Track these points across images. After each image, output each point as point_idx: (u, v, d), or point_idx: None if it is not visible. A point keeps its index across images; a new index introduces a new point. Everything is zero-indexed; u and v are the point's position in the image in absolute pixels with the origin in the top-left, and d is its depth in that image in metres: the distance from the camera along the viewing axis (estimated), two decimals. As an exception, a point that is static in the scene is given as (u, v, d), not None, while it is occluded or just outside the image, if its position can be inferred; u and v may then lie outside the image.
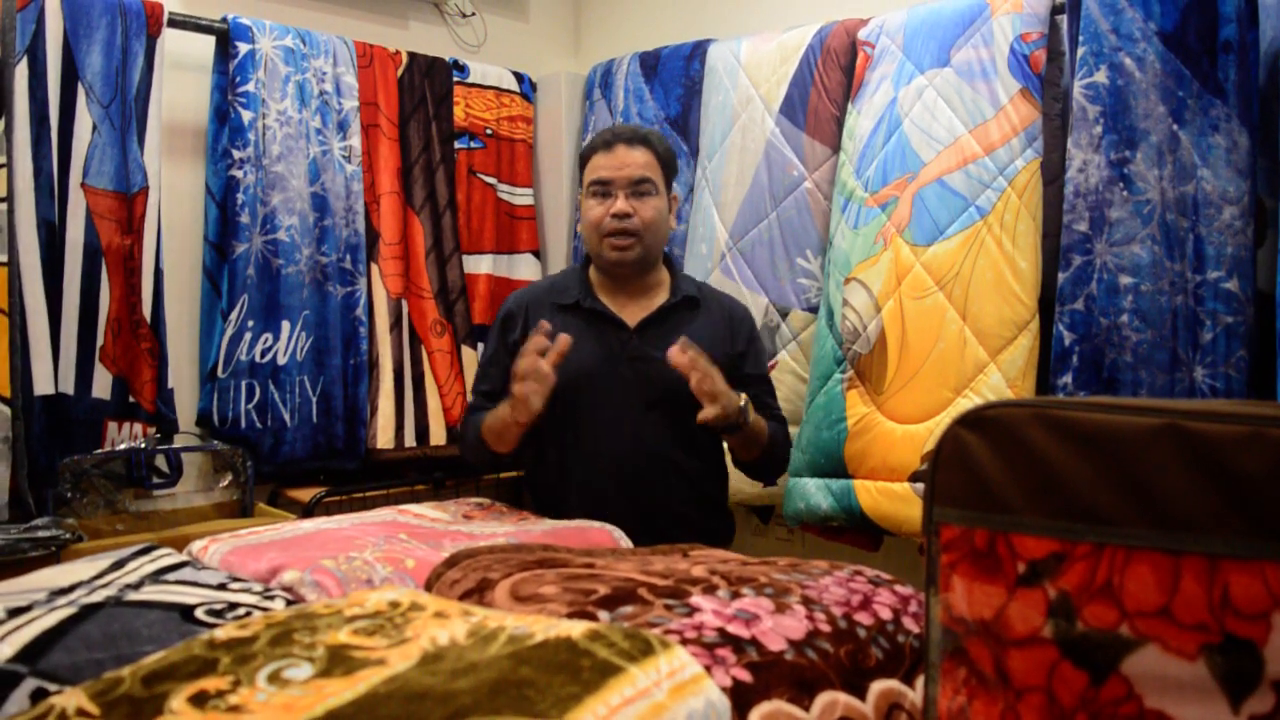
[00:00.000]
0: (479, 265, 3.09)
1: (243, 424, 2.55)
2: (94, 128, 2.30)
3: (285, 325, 2.60)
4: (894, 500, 2.27)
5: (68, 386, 2.27)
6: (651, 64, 2.99)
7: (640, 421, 1.92)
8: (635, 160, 1.93)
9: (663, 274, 2.05)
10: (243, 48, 2.55)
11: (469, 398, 2.13)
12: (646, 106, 2.97)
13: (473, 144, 3.08)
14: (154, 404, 2.42)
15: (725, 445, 2.05)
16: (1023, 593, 0.80)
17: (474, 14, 3.27)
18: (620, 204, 1.91)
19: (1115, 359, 2.06)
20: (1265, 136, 1.97)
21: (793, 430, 2.54)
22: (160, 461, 2.49)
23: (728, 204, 2.71)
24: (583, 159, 2.02)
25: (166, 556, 1.37)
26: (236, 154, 2.53)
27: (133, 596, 1.17)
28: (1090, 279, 2.08)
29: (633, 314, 1.98)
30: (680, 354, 1.77)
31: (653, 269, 2.02)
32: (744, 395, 1.86)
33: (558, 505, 1.92)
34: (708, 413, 1.76)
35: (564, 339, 1.77)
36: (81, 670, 0.98)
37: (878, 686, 1.03)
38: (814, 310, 2.57)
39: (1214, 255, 1.98)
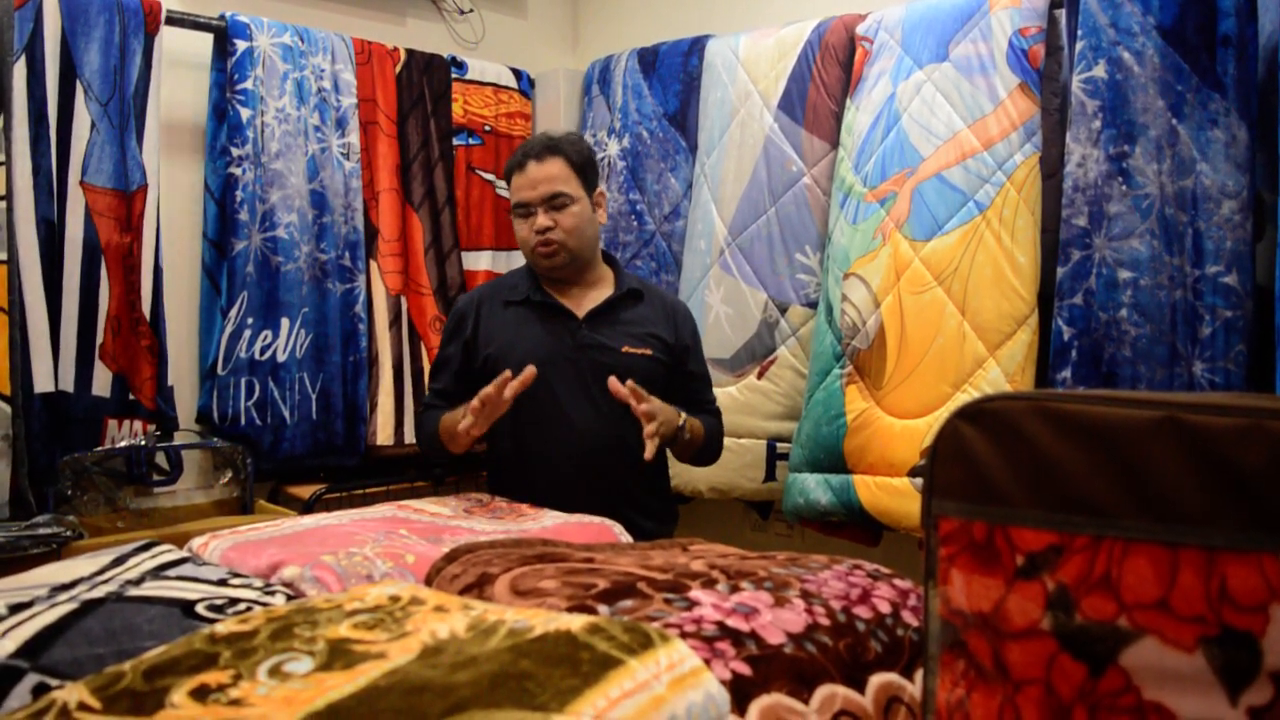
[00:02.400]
0: (478, 262, 3.09)
1: (242, 421, 2.55)
2: (92, 125, 2.30)
3: (285, 322, 2.61)
4: (893, 495, 2.27)
5: (67, 384, 2.27)
6: (650, 60, 2.99)
7: (594, 406, 2.01)
8: (548, 175, 2.02)
9: (604, 270, 2.16)
10: (241, 45, 2.55)
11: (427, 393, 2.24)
12: (645, 102, 2.97)
13: (471, 141, 3.08)
14: (154, 401, 2.42)
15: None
16: (1021, 585, 0.81)
17: (472, 10, 3.27)
18: (540, 219, 2.02)
19: (1114, 353, 2.06)
20: (1264, 131, 1.97)
21: (792, 426, 2.56)
22: (160, 459, 2.49)
23: (726, 200, 2.71)
24: (506, 178, 2.12)
25: (167, 553, 1.37)
26: (235, 151, 2.53)
27: (134, 592, 1.17)
28: (1089, 274, 2.08)
29: (580, 306, 2.08)
30: (621, 386, 1.88)
31: (591, 266, 2.12)
32: (682, 413, 2.00)
33: (517, 489, 1.99)
34: (650, 450, 1.87)
35: (529, 370, 1.86)
36: (83, 665, 0.98)
37: (877, 680, 1.03)
38: (813, 306, 2.57)
39: (1213, 250, 1.98)
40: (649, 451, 1.86)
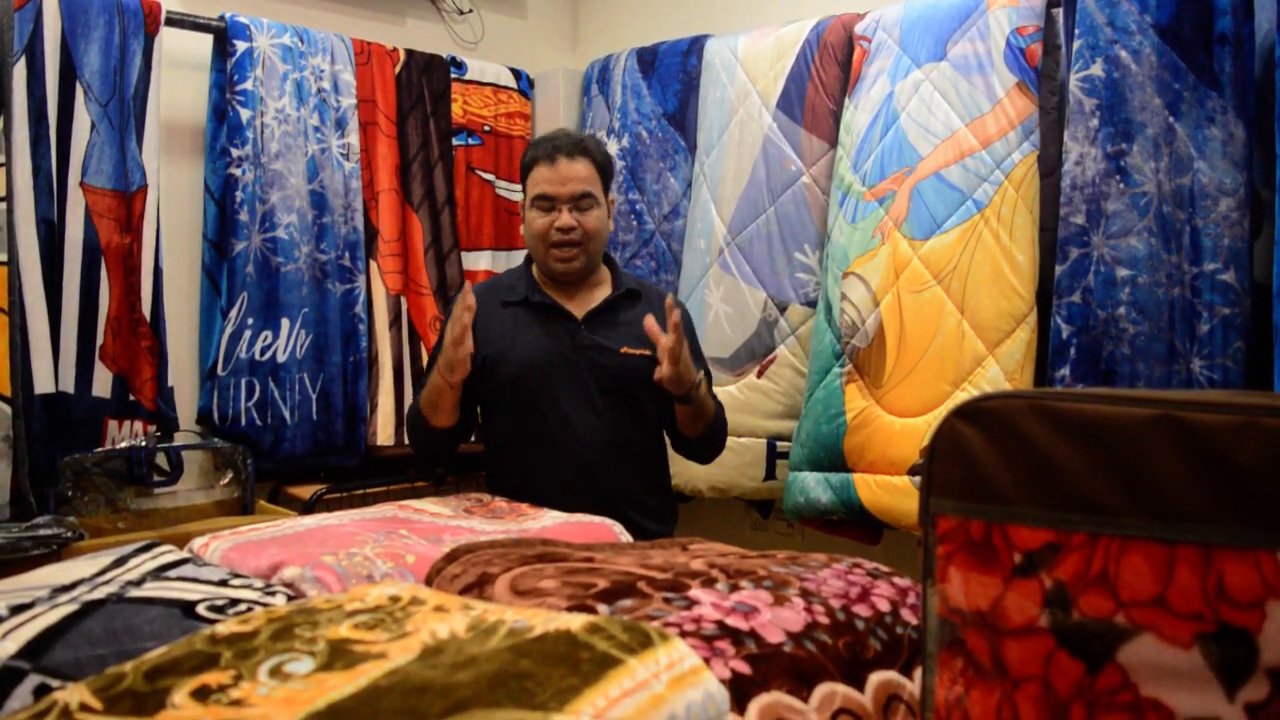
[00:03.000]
0: (478, 262, 3.09)
1: (243, 421, 2.55)
2: (92, 126, 2.30)
3: (285, 323, 2.61)
4: (893, 494, 2.27)
5: (68, 385, 2.28)
6: (649, 60, 2.99)
7: (595, 407, 2.01)
8: (577, 174, 2.01)
9: (603, 271, 2.15)
10: (240, 46, 2.56)
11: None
12: (644, 102, 2.97)
13: (471, 141, 3.08)
14: (154, 402, 2.43)
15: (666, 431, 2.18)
16: (1019, 583, 0.81)
17: (471, 11, 3.27)
18: (564, 218, 2.01)
19: (1113, 351, 2.06)
20: (1261, 128, 1.97)
21: (791, 425, 2.56)
22: (161, 459, 2.49)
23: (725, 199, 2.71)
24: (524, 169, 2.09)
25: (168, 553, 1.38)
26: (235, 152, 2.54)
27: (134, 593, 1.17)
28: (1087, 272, 2.09)
29: (579, 307, 2.07)
30: (655, 325, 1.86)
31: (594, 269, 2.12)
32: (701, 371, 1.97)
33: (517, 490, 1.98)
34: (664, 370, 1.85)
35: (469, 296, 1.86)
36: (84, 666, 0.98)
37: (876, 678, 1.03)
38: (812, 305, 2.57)
39: (1211, 247, 1.98)
40: (663, 368, 1.84)
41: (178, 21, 2.50)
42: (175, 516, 2.50)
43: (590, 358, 2.02)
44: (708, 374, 2.21)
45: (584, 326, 2.05)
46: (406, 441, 2.84)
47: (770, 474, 2.62)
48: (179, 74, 2.58)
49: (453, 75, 3.04)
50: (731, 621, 1.00)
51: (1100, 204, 2.08)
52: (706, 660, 0.91)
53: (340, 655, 0.86)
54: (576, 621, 0.90)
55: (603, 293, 2.10)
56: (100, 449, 2.34)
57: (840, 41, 2.59)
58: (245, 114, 2.55)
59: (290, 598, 1.24)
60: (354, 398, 2.74)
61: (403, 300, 2.87)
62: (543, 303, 2.06)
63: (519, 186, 3.15)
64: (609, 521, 1.79)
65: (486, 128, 3.11)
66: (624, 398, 2.04)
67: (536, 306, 2.06)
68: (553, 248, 2.02)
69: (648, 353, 2.05)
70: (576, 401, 2.01)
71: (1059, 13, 2.24)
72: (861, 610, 1.10)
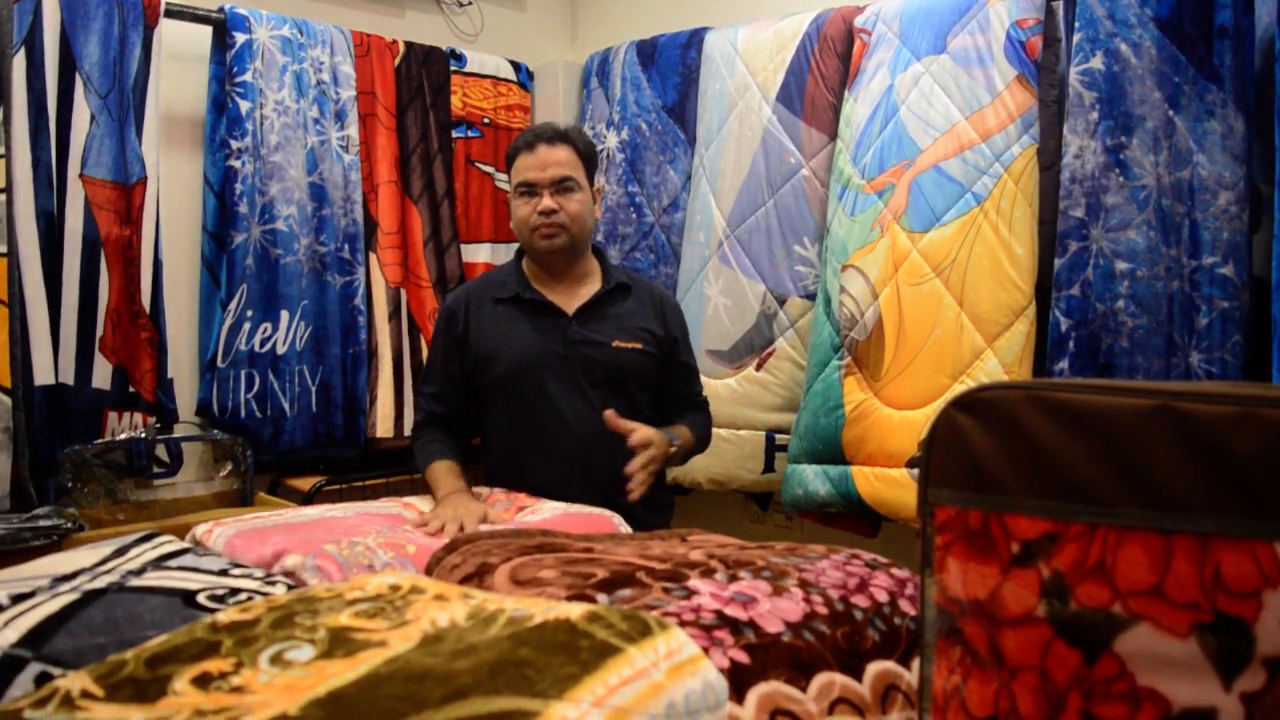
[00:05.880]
0: (477, 254, 3.09)
1: (242, 413, 2.56)
2: (92, 118, 2.30)
3: (284, 315, 2.61)
4: (892, 486, 2.27)
5: (68, 377, 2.28)
6: (648, 52, 2.99)
7: (587, 400, 2.03)
8: (557, 159, 2.03)
9: (593, 264, 2.16)
10: (240, 38, 2.55)
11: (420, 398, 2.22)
12: (643, 95, 2.97)
13: (470, 133, 3.08)
14: (154, 394, 2.43)
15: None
16: (1016, 573, 0.81)
17: (470, 3, 3.27)
18: (546, 202, 2.02)
19: (1111, 344, 2.06)
20: (1261, 122, 1.97)
21: (790, 417, 2.56)
22: (160, 451, 2.49)
23: (725, 192, 2.71)
24: (508, 160, 2.12)
25: (168, 543, 1.38)
26: (234, 144, 2.53)
27: (135, 582, 1.18)
28: (1086, 265, 2.09)
29: (569, 301, 2.08)
30: (616, 420, 1.91)
31: (582, 259, 2.13)
32: (672, 439, 2.01)
33: (513, 485, 2.00)
34: (636, 489, 1.89)
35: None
36: (85, 654, 0.98)
37: (874, 668, 1.04)
38: (811, 297, 2.57)
39: (1209, 241, 1.98)
40: (634, 491, 1.88)
41: (177, 13, 2.50)
42: (175, 508, 2.51)
43: (581, 352, 2.03)
44: (695, 372, 2.25)
45: (574, 321, 2.05)
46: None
47: (769, 467, 2.63)
48: (178, 66, 2.58)
49: (452, 68, 3.04)
50: (730, 611, 1.01)
51: (1099, 197, 2.08)
52: (705, 649, 0.91)
53: (341, 643, 0.86)
54: (576, 610, 0.90)
55: (592, 287, 2.11)
56: (100, 440, 2.34)
57: (840, 34, 2.59)
58: (245, 106, 2.54)
59: (291, 587, 1.25)
60: (354, 390, 2.75)
61: (402, 292, 2.87)
62: (533, 299, 2.07)
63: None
64: (608, 513, 1.80)
65: (486, 120, 3.11)
66: (615, 390, 2.05)
67: (527, 303, 2.07)
68: (537, 231, 2.04)
69: (639, 346, 2.07)
70: (568, 395, 2.02)
71: (1059, 6, 2.24)
72: (860, 601, 1.11)
